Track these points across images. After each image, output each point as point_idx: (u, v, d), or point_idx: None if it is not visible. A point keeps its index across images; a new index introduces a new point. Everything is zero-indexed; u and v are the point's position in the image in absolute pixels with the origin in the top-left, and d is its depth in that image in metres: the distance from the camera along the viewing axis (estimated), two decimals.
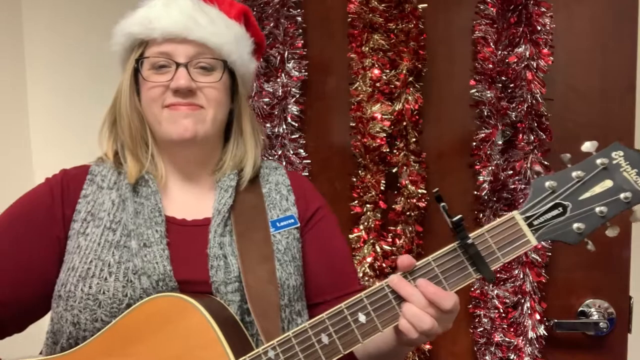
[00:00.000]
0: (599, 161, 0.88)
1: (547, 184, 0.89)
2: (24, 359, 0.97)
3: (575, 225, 0.86)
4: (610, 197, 0.86)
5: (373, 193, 1.56)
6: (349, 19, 1.56)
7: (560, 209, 0.88)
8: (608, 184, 0.87)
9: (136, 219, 1.00)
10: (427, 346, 1.55)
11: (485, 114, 1.50)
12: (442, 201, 0.87)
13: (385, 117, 1.54)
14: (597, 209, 0.86)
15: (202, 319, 0.89)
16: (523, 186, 1.49)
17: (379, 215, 1.57)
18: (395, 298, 0.88)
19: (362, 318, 0.87)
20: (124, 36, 1.05)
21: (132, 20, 1.04)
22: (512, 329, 1.52)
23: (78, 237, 1.00)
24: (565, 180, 0.89)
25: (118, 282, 0.95)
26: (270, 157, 1.56)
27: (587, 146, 0.90)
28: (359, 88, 1.56)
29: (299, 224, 1.08)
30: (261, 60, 1.19)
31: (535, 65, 1.46)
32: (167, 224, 1.01)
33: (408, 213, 1.56)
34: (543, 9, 1.47)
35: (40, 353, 1.05)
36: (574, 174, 0.88)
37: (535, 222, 0.88)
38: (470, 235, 0.87)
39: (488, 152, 1.50)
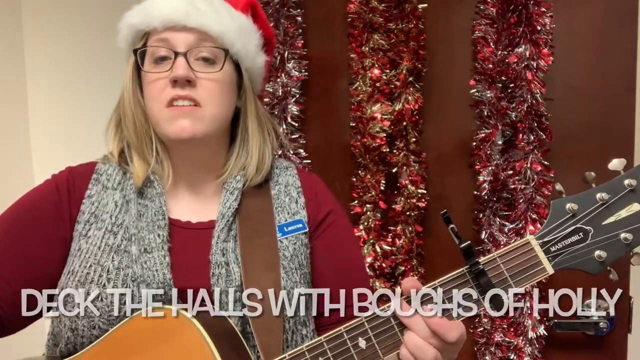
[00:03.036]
0: (626, 182, 0.80)
1: (567, 206, 0.81)
2: None
3: (596, 253, 0.80)
4: (637, 223, 0.78)
5: (373, 193, 1.56)
6: (349, 19, 1.56)
7: (581, 234, 0.80)
8: (635, 207, 0.79)
9: (139, 222, 0.97)
10: None
11: (485, 114, 1.50)
12: (451, 223, 0.82)
13: (385, 117, 1.54)
14: (622, 235, 0.78)
15: (197, 334, 0.85)
16: (523, 186, 1.49)
17: (379, 215, 1.57)
18: (397, 324, 0.83)
19: (362, 343, 0.82)
20: (126, 29, 1.02)
21: (133, 12, 1.01)
22: (512, 329, 1.52)
23: (80, 240, 0.97)
24: (587, 203, 0.81)
25: (116, 289, 0.91)
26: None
27: (615, 164, 0.82)
28: (359, 88, 1.56)
29: (307, 229, 1.03)
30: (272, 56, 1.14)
31: (535, 65, 1.46)
32: (171, 227, 0.98)
33: (408, 213, 1.56)
34: (543, 9, 1.47)
35: (43, 354, 1.03)
36: (597, 195, 0.80)
37: (553, 249, 0.81)
38: (480, 260, 0.81)
39: (488, 152, 1.50)
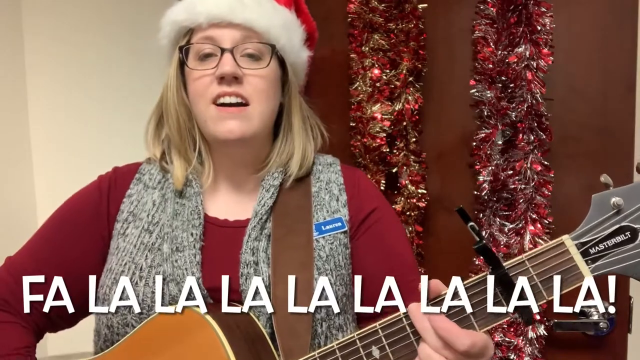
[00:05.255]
0: None
1: (612, 200, 0.70)
2: (66, 357, 0.98)
3: None
4: None
5: None
6: (349, 19, 1.56)
7: (628, 233, 0.69)
8: None
9: (174, 220, 0.97)
10: None
11: (485, 114, 1.50)
12: (469, 220, 0.73)
13: (385, 117, 1.54)
14: None
15: (213, 334, 0.83)
16: (523, 186, 1.49)
17: None
18: (413, 332, 0.75)
19: (375, 352, 0.76)
20: (169, 26, 1.01)
21: (177, 8, 1.00)
22: (512, 329, 1.52)
23: (118, 238, 0.98)
24: (635, 198, 0.70)
25: (147, 288, 0.91)
26: None
27: None
28: (359, 88, 1.56)
29: (346, 228, 1.00)
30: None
31: (535, 65, 1.46)
32: (207, 226, 0.97)
33: (408, 213, 1.55)
34: (543, 9, 1.46)
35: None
36: None
37: (592, 250, 0.70)
38: (506, 263, 0.71)
39: (488, 152, 1.50)
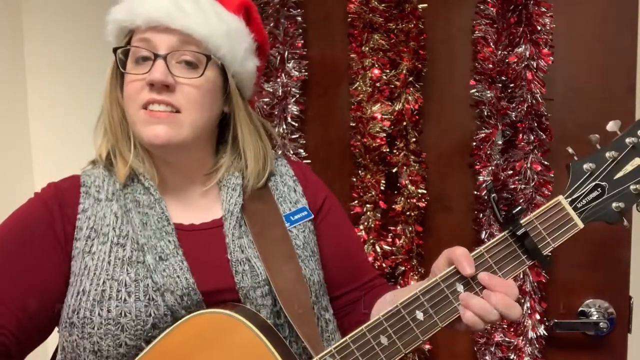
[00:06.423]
0: (628, 140, 0.90)
1: (585, 166, 0.90)
2: None
3: (614, 205, 0.89)
4: None
5: (373, 193, 1.56)
6: (349, 19, 1.56)
7: (599, 190, 0.89)
8: (638, 161, 0.90)
9: (144, 230, 0.93)
10: (427, 346, 1.55)
11: (485, 114, 1.50)
12: (493, 192, 0.89)
13: (385, 117, 1.54)
14: (632, 187, 0.89)
15: (250, 333, 0.86)
16: (523, 186, 1.49)
17: (379, 215, 1.57)
18: (451, 292, 0.86)
19: (419, 316, 0.86)
20: (111, 24, 0.98)
21: (119, 6, 0.97)
22: (512, 329, 1.52)
23: (84, 257, 0.92)
24: (600, 161, 0.90)
25: (139, 302, 0.88)
26: None
27: (612, 126, 0.91)
28: (359, 88, 1.56)
29: (312, 216, 1.04)
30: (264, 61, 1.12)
31: (535, 65, 1.46)
32: (177, 232, 0.95)
33: (408, 213, 1.56)
34: (543, 9, 1.47)
35: None
36: (607, 154, 0.90)
37: (579, 205, 0.89)
38: (522, 222, 0.88)
39: (488, 152, 1.50)
